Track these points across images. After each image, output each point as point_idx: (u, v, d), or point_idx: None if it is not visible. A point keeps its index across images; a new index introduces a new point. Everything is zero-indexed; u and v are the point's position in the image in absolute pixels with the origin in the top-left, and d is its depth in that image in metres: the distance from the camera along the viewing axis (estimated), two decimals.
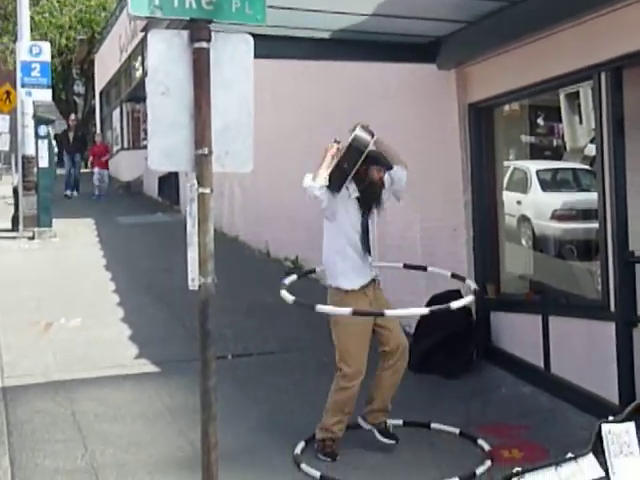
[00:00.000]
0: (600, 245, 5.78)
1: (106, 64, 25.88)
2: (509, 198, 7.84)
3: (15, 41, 17.21)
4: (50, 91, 14.69)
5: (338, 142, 5.19)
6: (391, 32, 6.44)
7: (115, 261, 11.72)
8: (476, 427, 5.62)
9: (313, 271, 6.03)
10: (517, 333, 6.76)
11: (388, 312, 5.11)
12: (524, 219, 8.41)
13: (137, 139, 23.06)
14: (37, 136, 14.22)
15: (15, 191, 15.13)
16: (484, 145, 7.02)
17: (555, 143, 9.41)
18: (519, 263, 7.81)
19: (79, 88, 36.14)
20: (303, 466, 4.99)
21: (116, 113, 25.40)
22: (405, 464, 5.11)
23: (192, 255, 3.72)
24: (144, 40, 13.48)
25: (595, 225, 5.95)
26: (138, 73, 21.48)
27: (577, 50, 5.71)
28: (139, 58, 20.98)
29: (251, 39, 3.90)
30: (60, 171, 20.54)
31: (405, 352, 5.27)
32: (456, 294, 6.27)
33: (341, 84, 9.26)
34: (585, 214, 7.50)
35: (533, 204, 8.63)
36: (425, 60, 7.01)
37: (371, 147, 5.13)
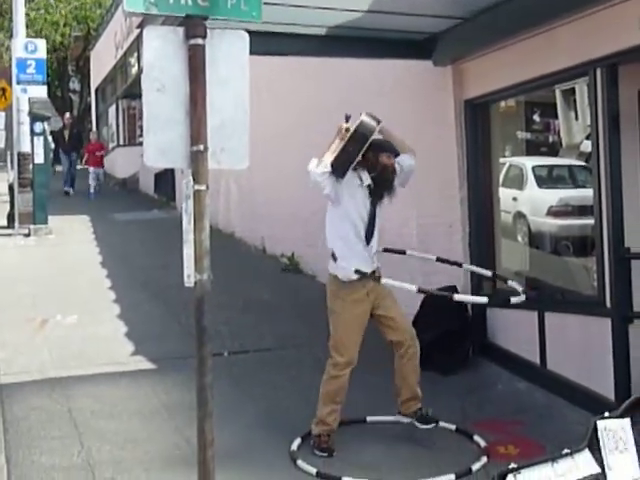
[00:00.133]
0: (596, 241, 5.79)
1: (102, 61, 25.81)
2: (505, 194, 7.84)
3: (10, 38, 17.20)
4: (46, 88, 14.73)
5: (349, 117, 5.16)
6: (387, 29, 6.44)
7: (111, 258, 11.71)
8: (472, 423, 5.64)
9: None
10: (513, 329, 6.76)
11: (457, 297, 5.30)
12: (520, 215, 8.42)
13: (133, 136, 22.99)
14: (33, 133, 14.19)
15: (11, 188, 15.07)
16: (480, 141, 7.02)
17: (551, 139, 9.44)
18: (515, 259, 7.82)
19: (75, 85, 36.07)
20: (299, 462, 5.00)
21: (112, 110, 25.34)
22: (401, 460, 5.11)
23: (188, 252, 3.72)
24: (139, 37, 13.44)
25: (591, 221, 5.96)
26: (134, 70, 21.41)
27: (573, 46, 5.71)
28: (135, 55, 20.92)
29: (247, 36, 3.90)
30: (59, 168, 20.53)
31: (414, 337, 5.31)
32: (452, 290, 6.27)
33: (337, 81, 9.25)
34: (581, 210, 7.52)
35: (529, 200, 8.65)
36: (421, 56, 7.01)
37: (376, 135, 5.15)
